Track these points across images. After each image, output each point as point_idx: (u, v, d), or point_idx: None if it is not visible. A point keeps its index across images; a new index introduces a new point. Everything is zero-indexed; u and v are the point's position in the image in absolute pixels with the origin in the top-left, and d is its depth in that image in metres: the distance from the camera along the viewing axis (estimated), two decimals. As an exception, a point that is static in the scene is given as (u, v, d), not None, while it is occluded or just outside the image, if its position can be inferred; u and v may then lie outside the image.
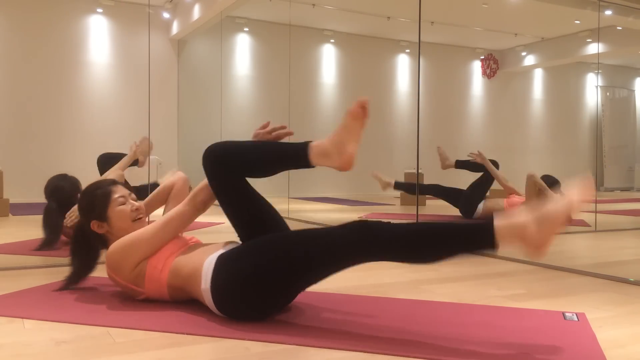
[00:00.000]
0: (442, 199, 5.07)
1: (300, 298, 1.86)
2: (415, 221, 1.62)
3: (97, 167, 3.70)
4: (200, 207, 1.85)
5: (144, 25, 5.84)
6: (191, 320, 1.65)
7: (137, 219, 1.94)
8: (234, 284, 1.62)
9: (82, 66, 5.73)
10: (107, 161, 3.64)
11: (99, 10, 5.83)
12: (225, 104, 6.98)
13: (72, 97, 5.66)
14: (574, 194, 1.49)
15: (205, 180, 1.82)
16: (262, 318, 1.67)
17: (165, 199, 2.20)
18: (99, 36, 5.84)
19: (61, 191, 3.01)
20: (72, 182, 3.12)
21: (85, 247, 1.98)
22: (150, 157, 4.05)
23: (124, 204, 1.93)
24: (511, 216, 1.47)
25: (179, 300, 1.81)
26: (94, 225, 1.92)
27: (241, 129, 7.17)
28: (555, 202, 1.47)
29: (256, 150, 1.75)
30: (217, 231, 3.98)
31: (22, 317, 1.69)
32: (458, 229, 1.51)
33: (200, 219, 2.16)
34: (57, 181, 3.11)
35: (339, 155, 1.62)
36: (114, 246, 1.81)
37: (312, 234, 1.64)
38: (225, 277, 1.63)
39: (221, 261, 1.66)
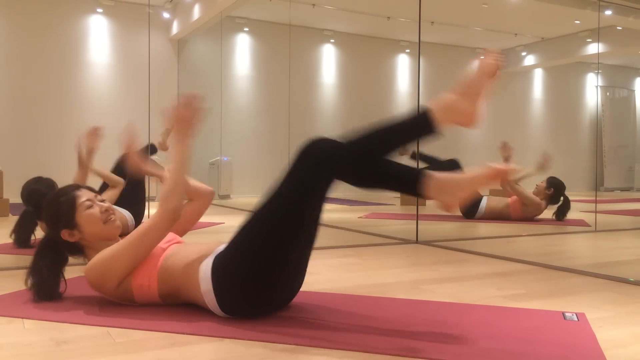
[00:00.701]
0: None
1: (300, 298, 1.86)
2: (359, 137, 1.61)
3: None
4: (175, 216, 1.74)
5: (144, 25, 5.83)
6: (191, 320, 1.65)
7: (108, 220, 1.86)
8: (238, 279, 1.62)
9: (82, 66, 5.73)
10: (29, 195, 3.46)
11: (99, 10, 5.83)
12: (225, 104, 6.98)
13: (72, 97, 5.66)
14: (482, 60, 1.61)
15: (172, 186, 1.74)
16: (269, 310, 1.69)
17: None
18: (99, 36, 5.84)
19: (37, 194, 2.97)
20: (48, 184, 3.08)
21: (51, 261, 1.85)
22: (150, 157, 4.04)
23: (91, 207, 1.85)
24: (439, 98, 1.58)
25: (174, 304, 1.80)
26: (65, 235, 1.82)
27: (241, 129, 7.18)
28: (471, 73, 1.60)
29: (372, 140, 1.63)
30: (217, 231, 3.99)
31: (22, 317, 1.69)
32: (399, 124, 1.61)
33: (200, 218, 2.16)
34: (32, 185, 3.08)
35: (464, 108, 1.58)
36: (91, 267, 1.74)
37: (278, 191, 1.63)
38: (229, 276, 1.63)
39: (219, 261, 1.66)
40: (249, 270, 1.61)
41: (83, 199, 1.85)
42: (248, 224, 1.65)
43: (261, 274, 1.61)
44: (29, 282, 1.84)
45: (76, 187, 1.91)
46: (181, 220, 1.89)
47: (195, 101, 1.79)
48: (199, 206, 2.09)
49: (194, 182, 2.06)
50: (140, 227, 1.75)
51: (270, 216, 1.62)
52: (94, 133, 3.42)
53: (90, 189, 1.94)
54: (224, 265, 1.65)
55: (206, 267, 1.67)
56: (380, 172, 1.61)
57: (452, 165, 4.98)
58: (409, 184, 1.62)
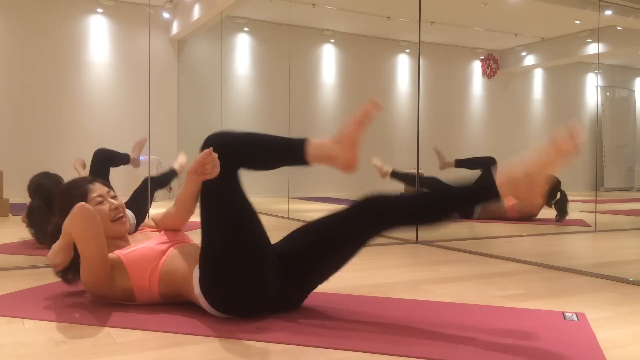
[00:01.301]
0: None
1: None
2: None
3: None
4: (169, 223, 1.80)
5: (144, 25, 5.84)
6: (191, 320, 1.65)
7: (117, 219, 1.86)
8: (214, 277, 1.63)
9: (82, 66, 5.73)
10: (104, 158, 3.63)
11: (99, 10, 5.84)
12: (225, 104, 6.98)
13: (72, 97, 5.66)
14: (559, 141, 1.54)
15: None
16: (265, 308, 1.69)
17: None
18: (99, 36, 5.84)
19: (44, 188, 2.99)
20: (54, 179, 3.11)
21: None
22: (150, 157, 4.05)
23: (102, 203, 1.85)
24: (508, 171, 1.55)
25: (175, 303, 1.80)
26: None
27: (241, 129, 7.17)
28: (539, 150, 1.56)
29: (256, 140, 1.70)
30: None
31: (22, 317, 1.69)
32: (463, 188, 1.64)
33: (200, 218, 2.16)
34: (39, 179, 3.11)
35: (342, 155, 1.60)
36: (82, 280, 1.74)
37: (205, 188, 1.66)
38: (207, 276, 1.64)
39: (201, 263, 1.67)
40: (216, 267, 1.62)
41: (95, 194, 1.86)
42: (201, 225, 1.68)
43: (230, 267, 1.61)
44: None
45: (90, 180, 1.92)
46: (171, 221, 1.91)
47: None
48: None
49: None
50: (76, 243, 1.70)
51: (207, 212, 1.65)
52: (83, 163, 3.55)
53: (105, 184, 1.94)
54: (201, 267, 1.66)
55: (197, 270, 1.69)
56: (268, 150, 1.68)
57: (433, 181, 4.98)
58: (477, 195, 1.64)
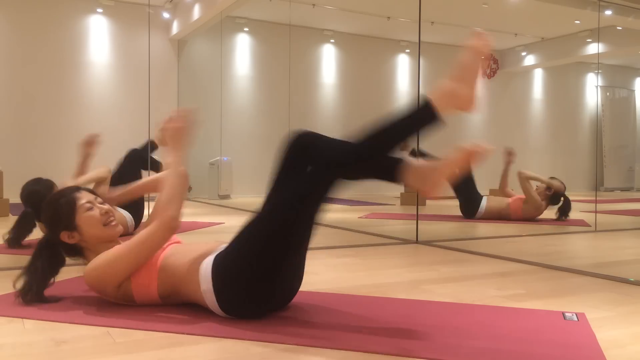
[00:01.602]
0: (454, 187, 5.02)
1: (300, 298, 1.86)
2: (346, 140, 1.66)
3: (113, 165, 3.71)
4: (174, 224, 1.75)
5: (144, 25, 5.84)
6: (191, 320, 1.65)
7: (108, 223, 1.85)
8: (238, 278, 1.62)
9: (82, 66, 5.73)
10: (136, 159, 3.66)
11: (99, 10, 5.84)
12: (225, 104, 6.98)
13: (72, 97, 5.66)
14: (471, 43, 1.63)
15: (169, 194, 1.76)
16: (269, 309, 1.70)
17: (155, 189, 2.04)
18: (99, 36, 5.84)
19: (37, 195, 2.97)
20: (47, 185, 3.09)
21: (48, 262, 1.83)
22: (150, 157, 4.05)
23: (91, 209, 1.83)
24: (436, 87, 1.59)
25: (174, 304, 1.80)
26: (64, 237, 1.81)
27: (241, 129, 7.18)
28: (462, 57, 1.62)
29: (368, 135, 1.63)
30: (217, 231, 3.98)
31: (22, 317, 1.69)
32: (401, 117, 1.61)
33: (200, 218, 2.16)
34: (31, 186, 3.09)
35: (462, 93, 1.59)
36: (90, 270, 1.74)
37: (279, 197, 1.68)
38: (229, 275, 1.63)
39: (219, 261, 1.66)
40: (250, 270, 1.62)
41: (83, 200, 1.85)
42: (250, 224, 1.66)
43: (262, 274, 1.62)
44: (20, 282, 1.82)
45: (76, 189, 1.90)
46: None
47: (189, 114, 1.80)
48: None
49: (163, 173, 2.02)
50: (141, 234, 1.74)
51: (272, 218, 1.64)
52: (91, 140, 3.49)
53: (91, 191, 1.93)
54: (224, 264, 1.65)
55: (206, 266, 1.67)
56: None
57: None
58: (387, 172, 1.66)
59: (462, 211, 5.07)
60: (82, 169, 3.46)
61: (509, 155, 5.08)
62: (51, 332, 1.56)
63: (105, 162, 3.73)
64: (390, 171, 1.66)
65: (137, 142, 4.01)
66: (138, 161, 3.82)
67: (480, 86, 1.60)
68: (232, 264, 1.64)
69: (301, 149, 1.75)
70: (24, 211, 3.05)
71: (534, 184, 4.97)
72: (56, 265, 1.87)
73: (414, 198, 4.38)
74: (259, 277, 1.62)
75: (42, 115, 5.51)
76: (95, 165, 3.59)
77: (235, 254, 1.65)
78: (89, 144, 3.52)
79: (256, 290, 1.63)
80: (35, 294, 1.81)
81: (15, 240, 2.96)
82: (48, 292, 1.84)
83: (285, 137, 1.75)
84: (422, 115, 1.59)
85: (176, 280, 1.73)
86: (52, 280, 1.85)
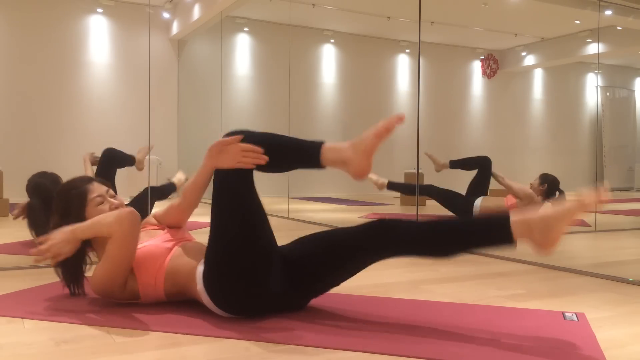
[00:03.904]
0: (437, 200, 5.06)
1: (300, 298, 1.86)
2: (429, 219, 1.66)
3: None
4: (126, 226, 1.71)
5: (144, 25, 5.84)
6: (191, 320, 1.65)
7: None
8: (220, 275, 1.64)
9: (82, 66, 5.73)
10: (111, 159, 3.67)
11: (99, 10, 5.83)
12: (225, 104, 6.98)
13: (72, 97, 5.66)
14: (584, 196, 1.49)
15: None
16: (266, 307, 1.70)
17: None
18: (99, 36, 5.84)
19: (42, 187, 2.97)
20: (53, 178, 3.10)
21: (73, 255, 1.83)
22: (151, 157, 4.06)
23: (102, 203, 1.85)
24: (525, 213, 1.52)
25: (178, 301, 1.81)
26: None
27: (241, 128, 7.17)
28: (565, 203, 1.52)
29: (274, 140, 1.69)
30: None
31: (22, 317, 1.69)
32: (475, 224, 1.60)
33: (200, 218, 2.16)
34: (37, 178, 3.09)
35: (356, 162, 1.60)
36: (96, 282, 1.73)
37: (218, 187, 1.69)
38: (212, 272, 1.65)
39: (206, 259, 1.68)
40: (224, 263, 1.63)
41: (94, 194, 1.84)
42: (212, 220, 1.69)
43: (236, 264, 1.62)
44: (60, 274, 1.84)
45: (88, 180, 1.90)
46: (175, 213, 1.93)
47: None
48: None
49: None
50: (110, 243, 1.70)
51: (220, 211, 1.67)
52: (93, 160, 3.57)
53: (103, 183, 1.92)
54: (207, 262, 1.67)
55: (201, 266, 1.69)
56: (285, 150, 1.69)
57: (429, 189, 5.00)
58: (493, 234, 1.58)
59: (457, 211, 5.06)
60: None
61: (496, 177, 5.07)
62: (51, 332, 1.56)
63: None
64: (493, 231, 1.57)
65: (137, 142, 4.02)
66: (112, 160, 3.85)
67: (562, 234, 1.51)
68: (211, 261, 1.67)
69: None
70: (28, 207, 3.04)
71: (527, 183, 4.97)
72: (81, 255, 1.84)
73: (414, 198, 4.38)
74: (234, 268, 1.62)
75: (42, 116, 5.50)
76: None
77: (210, 252, 1.68)
78: (92, 162, 3.60)
79: (239, 284, 1.63)
80: (77, 286, 1.86)
81: (40, 232, 2.94)
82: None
83: None
84: (498, 238, 1.56)
85: (181, 280, 1.74)
86: (85, 267, 1.86)
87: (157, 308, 1.77)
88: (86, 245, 1.85)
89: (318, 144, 1.64)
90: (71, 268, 1.84)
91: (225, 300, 1.66)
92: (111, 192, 1.91)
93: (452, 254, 1.63)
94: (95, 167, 3.77)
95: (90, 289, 1.85)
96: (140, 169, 4.07)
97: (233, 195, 1.66)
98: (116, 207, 1.86)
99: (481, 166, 4.94)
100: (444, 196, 5.01)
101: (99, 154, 3.78)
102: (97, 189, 1.87)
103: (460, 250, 1.63)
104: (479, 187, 4.96)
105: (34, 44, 5.56)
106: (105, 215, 1.73)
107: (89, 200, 1.83)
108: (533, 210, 1.52)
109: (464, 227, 1.61)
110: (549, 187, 4.89)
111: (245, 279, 1.63)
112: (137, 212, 1.71)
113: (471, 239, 1.60)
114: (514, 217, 1.52)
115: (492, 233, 1.56)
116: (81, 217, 1.80)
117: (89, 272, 1.84)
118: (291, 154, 1.68)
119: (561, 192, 4.89)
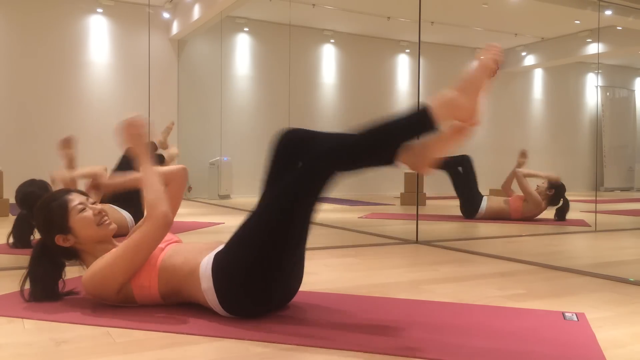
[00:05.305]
0: (457, 176, 5.02)
1: (300, 298, 1.86)
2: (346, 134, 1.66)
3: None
4: (166, 220, 1.73)
5: (144, 25, 5.84)
6: (191, 320, 1.65)
7: (102, 223, 1.84)
8: (238, 276, 1.63)
9: (82, 66, 5.73)
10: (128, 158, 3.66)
11: (99, 10, 5.84)
12: (225, 104, 6.98)
13: (72, 97, 5.66)
14: (482, 57, 1.60)
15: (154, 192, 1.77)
16: (269, 308, 1.70)
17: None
18: (99, 36, 5.84)
19: (32, 196, 2.95)
20: (41, 185, 3.08)
21: (49, 267, 1.84)
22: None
23: (84, 210, 1.82)
24: (438, 95, 1.56)
25: (174, 304, 1.80)
26: (59, 240, 1.80)
27: (241, 129, 7.18)
28: (470, 69, 1.58)
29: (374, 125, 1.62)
30: (217, 231, 3.98)
31: (22, 317, 1.69)
32: (398, 121, 1.59)
33: (200, 218, 2.16)
34: (26, 187, 3.08)
35: (464, 104, 1.55)
36: (88, 278, 1.73)
37: (274, 194, 1.67)
38: (229, 273, 1.64)
39: (219, 259, 1.66)
40: (249, 268, 1.62)
41: (75, 202, 1.83)
42: (248, 221, 1.67)
43: (260, 271, 1.62)
44: (26, 285, 1.84)
45: (67, 191, 1.89)
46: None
47: (138, 120, 1.85)
48: (177, 187, 2.09)
49: (163, 169, 2.08)
50: (135, 235, 1.73)
51: (268, 215, 1.64)
52: (66, 143, 3.47)
53: (81, 193, 1.92)
54: (224, 262, 1.65)
55: (207, 264, 1.67)
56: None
57: (462, 160, 5.00)
58: (382, 157, 1.63)
59: (463, 211, 5.07)
60: (71, 175, 3.46)
61: (522, 156, 5.09)
62: (51, 332, 1.56)
63: (105, 162, 3.71)
64: (384, 155, 1.62)
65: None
66: (130, 160, 3.84)
67: (485, 101, 1.58)
68: (231, 262, 1.64)
69: (291, 146, 1.74)
70: (20, 213, 3.05)
71: (534, 184, 4.97)
72: (57, 269, 1.87)
73: (414, 198, 4.38)
74: (257, 274, 1.62)
75: (42, 115, 5.51)
76: (94, 165, 3.59)
77: (234, 252, 1.66)
78: (66, 146, 3.48)
79: (256, 287, 1.63)
80: (45, 298, 1.84)
81: (20, 241, 2.95)
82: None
83: (274, 136, 1.75)
84: (420, 121, 1.58)
85: (177, 280, 1.73)
86: (58, 283, 1.87)
87: (157, 308, 1.76)
88: (70, 258, 1.87)
89: (422, 107, 1.57)
90: (46, 282, 1.83)
91: (235, 302, 1.66)
92: (91, 199, 1.90)
93: (384, 156, 1.62)
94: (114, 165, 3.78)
95: (83, 289, 1.84)
96: (165, 148, 4.09)
97: (295, 215, 1.63)
98: (99, 212, 1.85)
99: (464, 164, 4.98)
100: (468, 176, 4.98)
101: (99, 153, 3.77)
102: (77, 197, 1.86)
103: (389, 149, 1.60)
104: (472, 184, 4.98)
105: (34, 44, 5.56)
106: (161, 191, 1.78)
107: (71, 209, 1.81)
108: (445, 92, 1.56)
109: (385, 120, 1.60)
110: (556, 192, 4.90)
111: (262, 287, 1.64)
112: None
113: (395, 132, 1.59)
114: (433, 103, 1.55)
115: (415, 122, 1.58)
116: (65, 227, 1.80)
117: (81, 272, 1.84)
118: (397, 128, 1.60)
119: (566, 200, 4.90)
